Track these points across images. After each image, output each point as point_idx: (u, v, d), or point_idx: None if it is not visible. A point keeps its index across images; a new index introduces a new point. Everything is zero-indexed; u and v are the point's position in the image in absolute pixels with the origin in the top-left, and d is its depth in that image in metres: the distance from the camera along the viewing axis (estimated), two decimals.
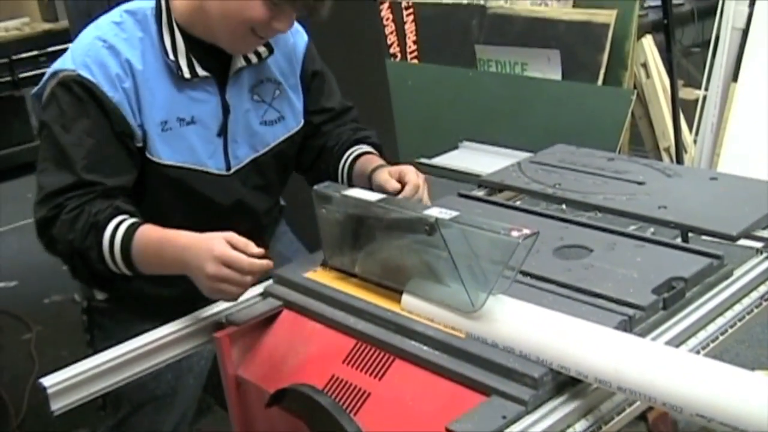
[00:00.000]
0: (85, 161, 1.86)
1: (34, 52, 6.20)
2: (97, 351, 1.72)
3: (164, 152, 1.95)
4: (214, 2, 1.90)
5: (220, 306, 1.83)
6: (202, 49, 1.97)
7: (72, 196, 1.84)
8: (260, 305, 1.81)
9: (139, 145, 1.93)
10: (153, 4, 1.97)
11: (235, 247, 1.66)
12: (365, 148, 2.19)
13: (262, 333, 1.79)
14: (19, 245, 4.83)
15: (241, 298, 1.77)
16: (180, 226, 1.76)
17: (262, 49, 2.06)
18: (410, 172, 1.98)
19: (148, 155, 1.94)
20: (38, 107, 1.95)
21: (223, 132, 2.03)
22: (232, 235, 1.68)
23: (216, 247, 1.66)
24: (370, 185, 2.02)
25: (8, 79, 6.16)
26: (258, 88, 2.09)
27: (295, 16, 1.94)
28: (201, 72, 1.97)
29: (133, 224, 1.82)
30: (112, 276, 1.85)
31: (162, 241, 1.78)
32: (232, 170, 2.06)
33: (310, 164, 2.26)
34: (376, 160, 2.10)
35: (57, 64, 1.93)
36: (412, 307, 1.62)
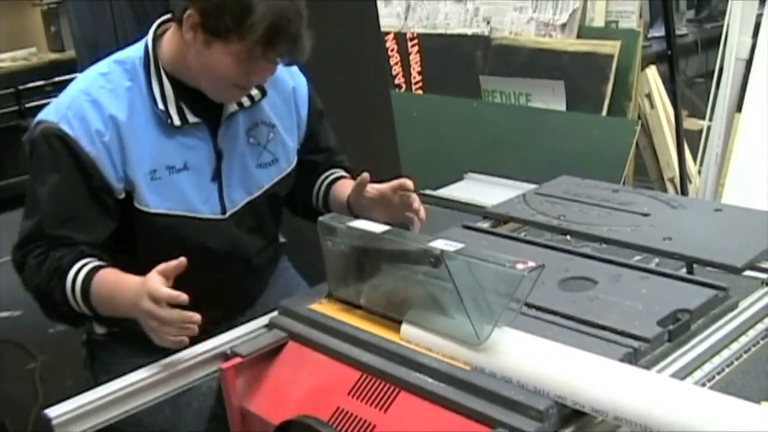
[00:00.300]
0: (53, 217, 1.90)
1: (41, 82, 6.24)
2: (97, 384, 1.72)
3: (153, 201, 1.96)
4: (192, 60, 1.92)
5: (225, 338, 1.83)
6: (192, 95, 1.98)
7: (39, 244, 1.90)
8: (265, 337, 1.81)
9: (121, 197, 1.94)
10: (141, 53, 1.98)
11: (166, 277, 1.69)
12: (338, 172, 2.23)
13: (267, 365, 1.79)
14: None
15: (246, 329, 1.78)
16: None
17: (255, 92, 2.06)
18: (406, 182, 2.00)
19: (136, 204, 1.95)
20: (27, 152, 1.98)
21: (217, 177, 2.03)
22: (162, 266, 1.70)
23: (148, 280, 1.69)
24: (348, 210, 2.08)
25: (15, 108, 6.19)
26: (253, 131, 2.09)
27: (274, 67, 1.95)
28: (192, 119, 1.97)
29: (93, 268, 1.86)
30: (75, 316, 1.91)
31: (115, 284, 1.82)
32: (228, 214, 2.07)
33: (303, 203, 2.29)
34: (350, 183, 2.13)
35: (42, 114, 1.95)
36: (412, 336, 1.62)
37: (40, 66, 6.39)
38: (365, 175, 1.98)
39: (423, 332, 1.61)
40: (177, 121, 1.95)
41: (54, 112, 1.92)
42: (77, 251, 1.88)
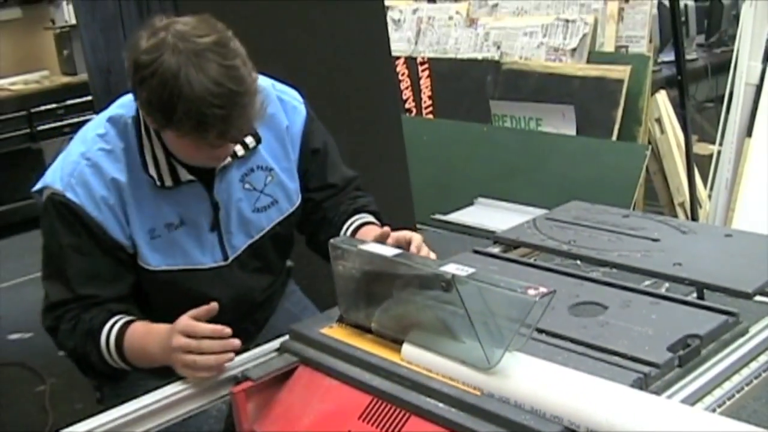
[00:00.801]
0: (78, 277, 1.94)
1: (53, 105, 6.25)
2: (107, 408, 1.73)
3: (153, 259, 1.98)
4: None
5: (236, 361, 1.82)
6: None
7: (70, 308, 1.95)
8: (276, 361, 1.82)
9: (132, 252, 1.97)
10: (133, 110, 1.96)
11: (198, 320, 1.75)
12: (366, 218, 2.18)
13: (278, 389, 1.79)
14: (34, 296, 4.74)
15: (257, 353, 1.79)
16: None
17: (249, 140, 2.03)
18: (415, 237, 1.95)
19: (139, 262, 1.98)
20: (39, 202, 2.01)
21: (215, 227, 2.04)
22: (194, 311, 1.77)
23: (179, 322, 1.76)
24: None
25: (27, 131, 6.21)
26: (249, 176, 2.07)
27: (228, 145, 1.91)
28: (185, 177, 1.97)
29: (125, 323, 1.91)
30: (115, 373, 1.96)
31: (145, 335, 1.88)
32: (230, 259, 2.08)
33: (309, 236, 2.27)
34: (376, 230, 2.04)
35: (49, 177, 1.97)
36: (413, 357, 1.63)
37: (52, 89, 6.41)
38: (386, 230, 1.94)
39: (424, 352, 1.62)
40: (169, 183, 1.96)
41: (59, 178, 1.94)
42: (106, 311, 1.93)
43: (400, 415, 1.57)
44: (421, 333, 1.64)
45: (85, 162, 1.93)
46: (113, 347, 1.88)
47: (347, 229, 2.16)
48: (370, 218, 2.18)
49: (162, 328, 1.83)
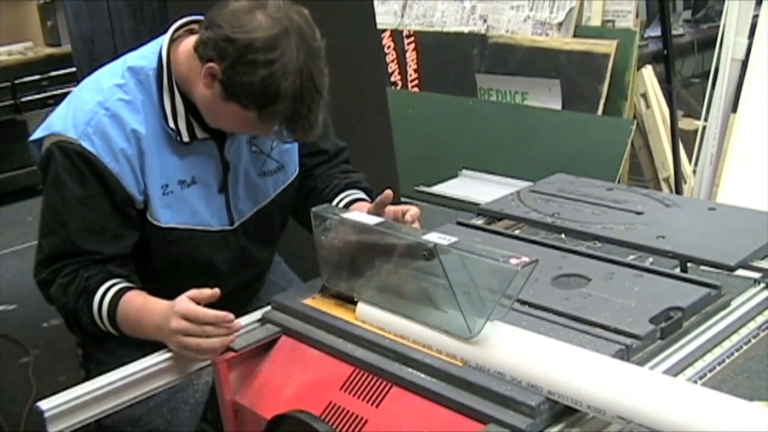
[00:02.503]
0: (82, 231, 1.90)
1: (37, 77, 6.21)
2: (89, 378, 1.73)
3: (164, 216, 1.96)
4: (201, 94, 1.88)
5: None
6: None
7: (68, 262, 1.91)
8: (258, 331, 1.82)
9: (141, 207, 1.95)
10: (155, 63, 1.94)
11: (197, 303, 1.73)
12: (357, 194, 2.17)
13: (260, 359, 1.79)
14: (18, 268, 4.82)
15: (239, 321, 1.78)
16: (183, 282, 1.79)
17: None
18: (410, 209, 1.96)
19: (148, 217, 1.95)
20: (36, 153, 1.97)
21: (224, 189, 2.04)
22: (194, 292, 1.74)
23: (177, 303, 1.73)
24: None
25: (11, 102, 6.18)
26: (256, 139, 2.07)
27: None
28: (200, 134, 1.96)
29: (120, 289, 1.88)
30: (102, 334, 1.92)
31: (141, 308, 1.85)
32: (236, 224, 2.07)
33: (297, 207, 2.24)
34: (368, 207, 2.04)
35: (57, 124, 1.92)
36: (367, 317, 1.66)
37: (36, 60, 6.37)
38: (388, 192, 1.92)
39: (377, 311, 1.65)
40: (186, 138, 1.94)
41: (72, 126, 1.89)
42: (105, 271, 1.90)
43: (382, 386, 1.57)
44: (405, 303, 1.64)
45: (103, 111, 1.89)
46: (105, 313, 1.86)
47: (339, 203, 2.15)
48: (362, 195, 2.18)
49: (159, 305, 1.80)
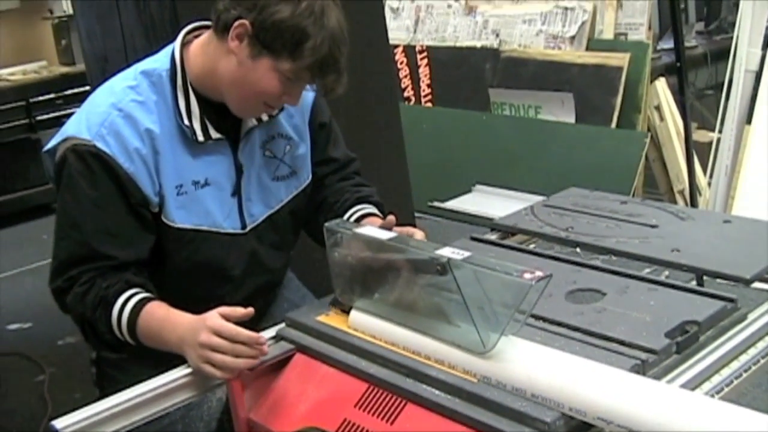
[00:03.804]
0: (97, 233, 1.89)
1: (51, 95, 6.25)
2: (104, 396, 1.72)
3: (178, 216, 1.96)
4: (227, 70, 1.90)
5: None
6: (214, 111, 1.97)
7: (85, 269, 1.89)
8: (272, 348, 1.81)
9: (155, 210, 1.94)
10: (168, 65, 1.96)
11: (227, 320, 1.71)
12: (368, 208, 2.17)
13: (274, 376, 1.79)
14: (33, 287, 4.84)
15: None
16: (193, 287, 1.78)
17: None
18: (416, 233, 1.95)
19: (162, 218, 1.95)
20: (50, 163, 1.96)
21: (237, 192, 2.03)
22: (226, 309, 1.73)
23: (209, 318, 1.72)
24: None
25: (25, 121, 6.21)
26: (270, 144, 2.08)
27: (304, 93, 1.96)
28: (214, 134, 1.97)
29: (140, 300, 1.86)
30: (119, 344, 1.91)
31: (164, 319, 1.83)
32: (248, 228, 2.07)
33: (309, 219, 2.24)
34: (379, 223, 2.05)
35: (71, 128, 1.92)
36: (359, 324, 1.66)
37: (50, 79, 6.41)
38: (391, 218, 1.94)
39: (371, 319, 1.66)
40: (201, 137, 1.95)
41: (86, 128, 1.89)
42: (123, 281, 1.89)
43: (397, 403, 1.56)
44: (416, 318, 1.64)
45: (117, 112, 1.89)
46: (125, 324, 1.85)
47: (350, 217, 2.15)
48: (374, 210, 2.17)
49: (184, 318, 1.80)
